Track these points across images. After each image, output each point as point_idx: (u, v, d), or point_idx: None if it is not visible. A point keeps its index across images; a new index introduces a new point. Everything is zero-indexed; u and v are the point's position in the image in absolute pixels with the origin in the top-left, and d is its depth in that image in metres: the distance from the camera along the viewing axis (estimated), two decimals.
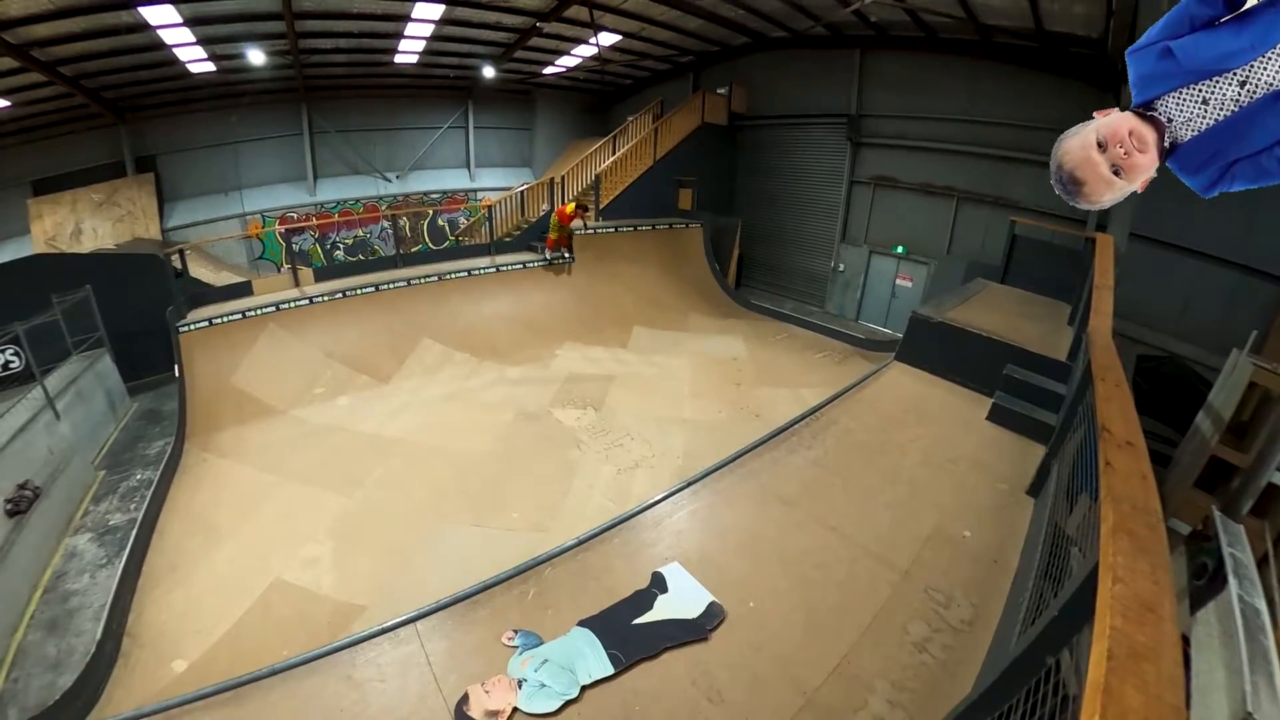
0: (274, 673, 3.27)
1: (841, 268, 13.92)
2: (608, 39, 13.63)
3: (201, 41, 11.74)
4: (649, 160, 13.68)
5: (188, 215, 16.18)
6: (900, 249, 12.72)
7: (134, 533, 6.66)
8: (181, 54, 12.24)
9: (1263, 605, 3.12)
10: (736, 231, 14.28)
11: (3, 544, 6.34)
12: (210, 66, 13.16)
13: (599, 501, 6.41)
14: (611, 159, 13.49)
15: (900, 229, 12.72)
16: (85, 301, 10.00)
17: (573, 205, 11.14)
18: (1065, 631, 1.94)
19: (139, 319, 10.33)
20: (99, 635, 5.42)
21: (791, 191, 14.66)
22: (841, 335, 10.80)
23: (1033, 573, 3.07)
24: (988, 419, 5.08)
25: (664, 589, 3.43)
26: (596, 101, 19.53)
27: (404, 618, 3.44)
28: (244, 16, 11.32)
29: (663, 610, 3.29)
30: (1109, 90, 9.20)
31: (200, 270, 12.88)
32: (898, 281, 12.96)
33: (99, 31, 10.86)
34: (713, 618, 3.23)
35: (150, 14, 10.38)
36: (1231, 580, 3.25)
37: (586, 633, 3.19)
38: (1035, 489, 4.06)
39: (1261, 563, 3.72)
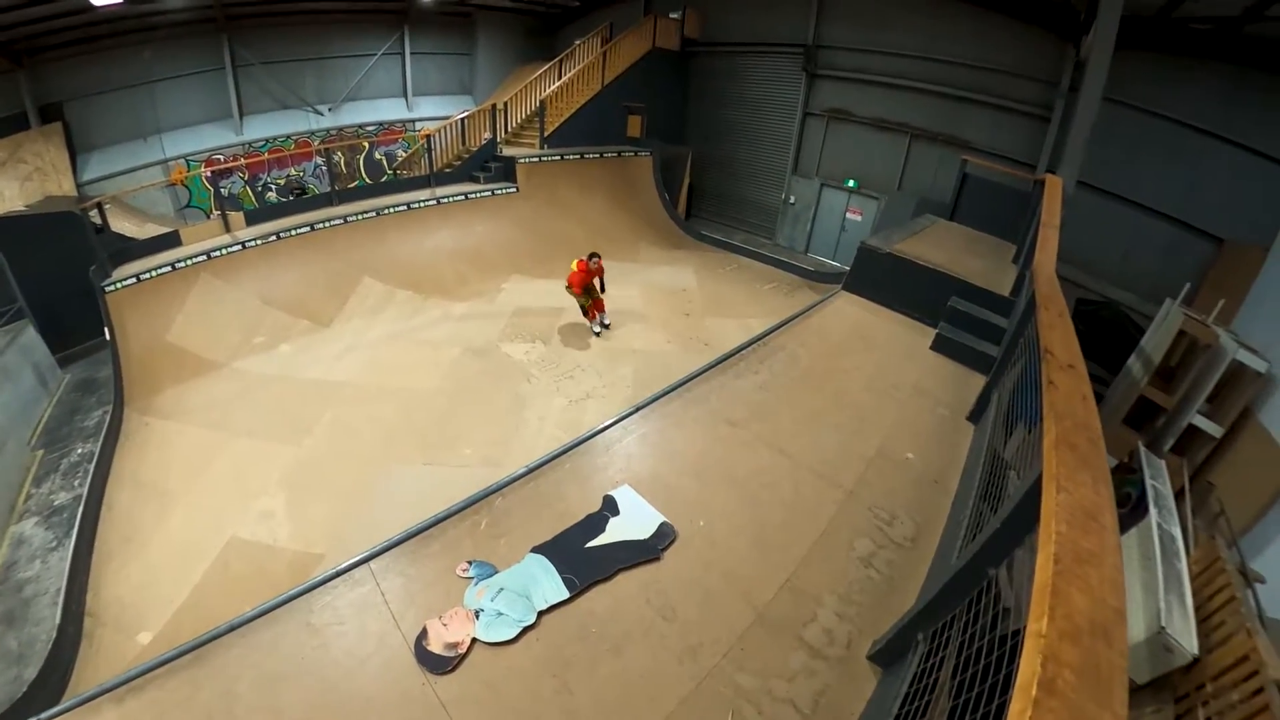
0: (233, 628, 3.26)
1: (792, 200, 13.87)
2: None
3: None
4: (597, 85, 13.10)
5: (104, 166, 14.81)
6: (851, 183, 12.73)
7: (81, 510, 6.42)
8: None
9: (1178, 533, 3.40)
10: (687, 161, 14.00)
11: None
12: None
13: (551, 433, 6.43)
14: (557, 84, 12.86)
15: (852, 163, 12.70)
16: None
17: (580, 262, 8.04)
18: (1006, 543, 2.03)
19: (61, 283, 9.58)
20: (58, 620, 5.33)
21: (744, 121, 14.38)
22: (791, 267, 10.87)
23: (972, 493, 3.23)
24: (931, 348, 5.25)
25: (615, 511, 3.47)
26: (542, 25, 18.50)
27: (357, 558, 3.42)
28: None
29: (615, 533, 3.33)
30: (1069, 39, 9.21)
31: (123, 224, 11.97)
32: (848, 215, 13.03)
33: None
34: (664, 538, 3.29)
35: None
36: (1153, 509, 3.51)
37: (540, 559, 3.21)
38: (975, 416, 4.24)
39: (1179, 495, 4.03)
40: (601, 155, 12.53)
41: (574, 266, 7.98)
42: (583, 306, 8.22)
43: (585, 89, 13.03)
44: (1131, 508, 3.82)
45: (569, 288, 7.99)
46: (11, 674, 5.17)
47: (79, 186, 14.42)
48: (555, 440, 6.17)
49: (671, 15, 14.28)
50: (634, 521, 3.39)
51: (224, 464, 6.89)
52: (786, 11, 12.83)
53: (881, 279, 6.08)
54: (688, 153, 14.07)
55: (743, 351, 5.06)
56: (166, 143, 15.43)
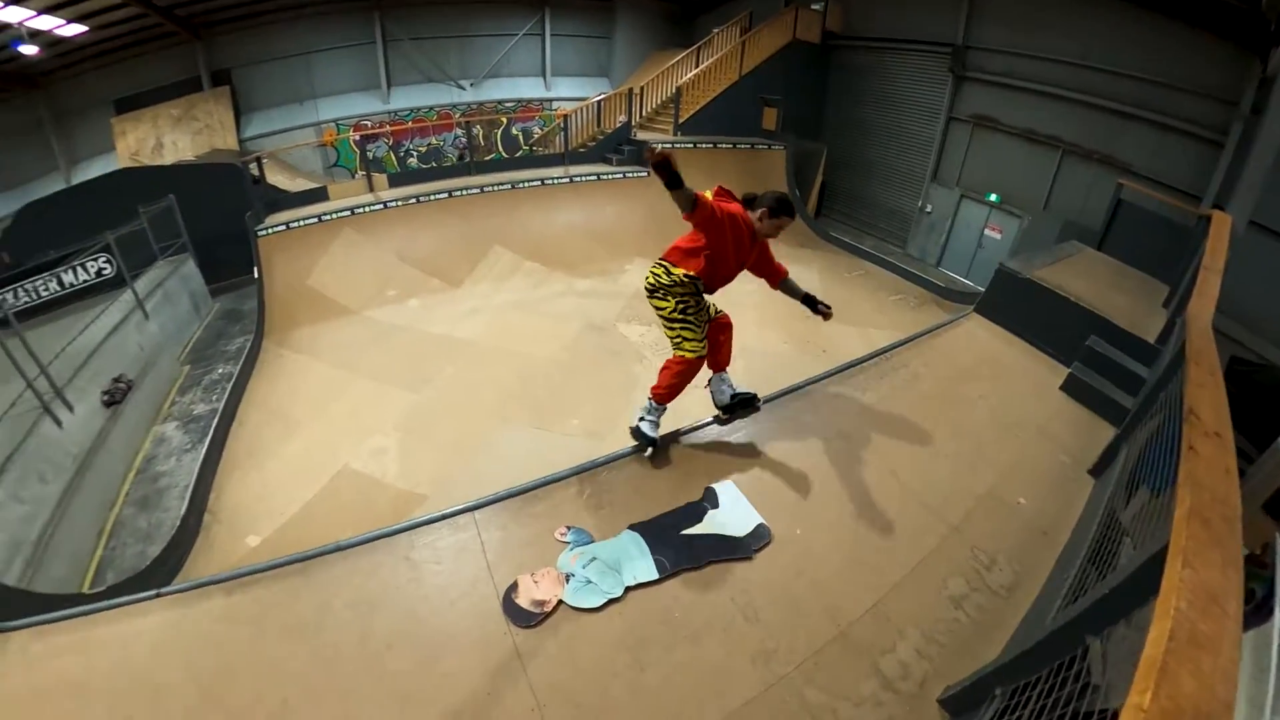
0: (339, 549, 3.50)
1: (929, 209, 13.16)
2: None
3: None
4: (734, 75, 13.02)
5: (263, 125, 16.68)
6: (994, 197, 11.94)
7: (215, 421, 7.28)
8: None
9: None
10: (821, 158, 13.61)
11: (101, 431, 7.02)
12: None
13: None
14: (694, 71, 12.89)
15: (996, 176, 11.89)
16: (169, 210, 10.66)
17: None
18: (1111, 613, 1.91)
19: (220, 225, 10.84)
20: (183, 511, 6.01)
21: (884, 122, 13.75)
22: (920, 280, 10.36)
23: (1081, 553, 3.02)
24: (1061, 388, 4.90)
25: (715, 504, 3.47)
26: (680, 11, 18.53)
27: (463, 506, 3.60)
28: None
29: (711, 525, 3.34)
30: (1255, 52, 7.99)
31: (276, 177, 13.23)
32: (986, 231, 12.22)
33: None
34: (759, 538, 3.27)
35: None
36: (1278, 614, 3.14)
37: (636, 536, 3.28)
38: (1098, 470, 3.95)
39: None
40: (735, 146, 12.41)
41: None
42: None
43: (722, 78, 12.97)
44: (1254, 607, 3.45)
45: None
46: (138, 549, 5.96)
47: (241, 142, 16.36)
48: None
49: (813, 7, 13.91)
50: (732, 517, 3.39)
51: (346, 400, 7.49)
52: (936, 7, 12.09)
53: (1017, 306, 5.69)
54: (822, 150, 13.69)
55: (864, 363, 4.93)
56: (320, 107, 17.09)
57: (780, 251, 10.57)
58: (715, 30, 14.54)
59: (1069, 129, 10.59)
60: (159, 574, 5.31)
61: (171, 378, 8.90)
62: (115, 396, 7.47)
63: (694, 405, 6.55)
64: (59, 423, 6.55)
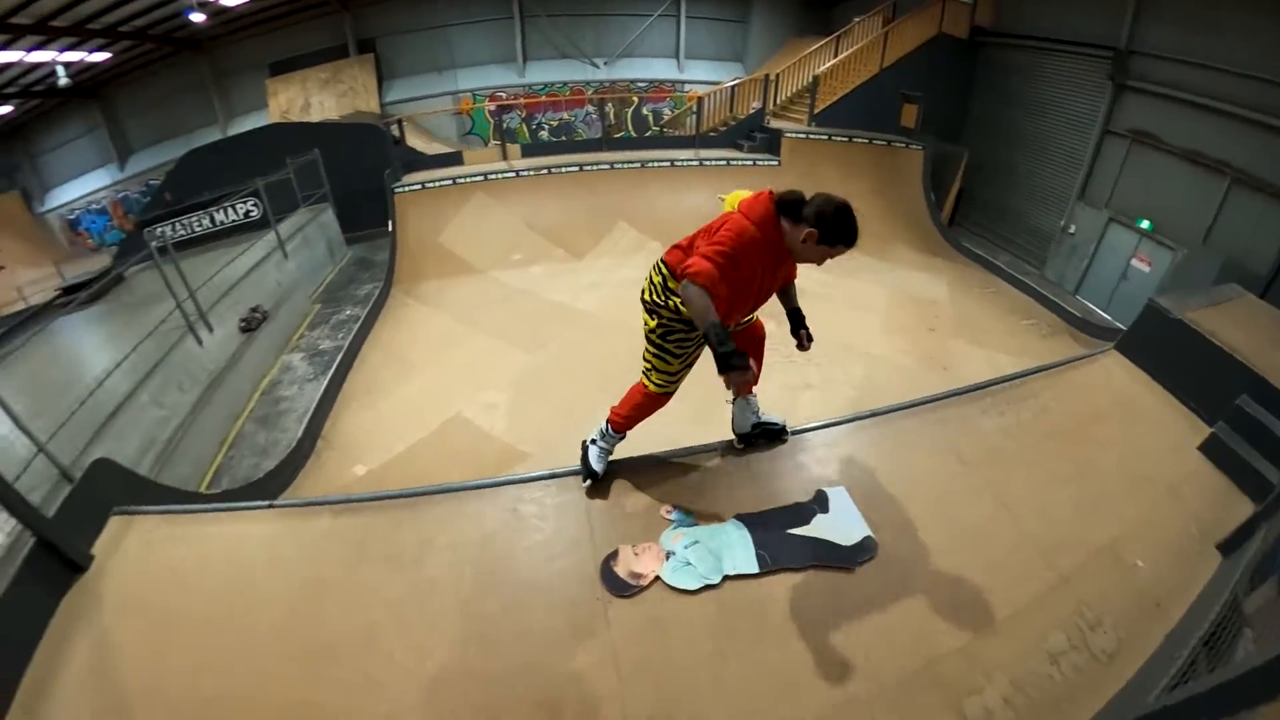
0: (447, 490, 3.74)
1: (1072, 230, 11.98)
2: None
3: None
4: (874, 68, 12.58)
5: (403, 92, 18.00)
6: (1146, 224, 10.72)
7: (340, 357, 7.94)
8: None
9: None
10: (961, 162, 12.83)
11: (235, 353, 7.85)
12: None
13: (761, 410, 6.48)
14: (833, 61, 12.55)
15: (1151, 200, 10.65)
16: (314, 163, 11.71)
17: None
18: (1219, 709, 1.83)
19: (359, 180, 11.84)
20: (300, 434, 6.61)
21: (1031, 129, 12.66)
22: (1055, 306, 9.56)
23: (1195, 635, 2.84)
24: (1200, 448, 4.50)
25: (825, 509, 3.44)
26: None
27: (573, 469, 3.75)
28: None
29: (818, 529, 3.32)
30: None
31: (414, 140, 14.17)
32: (1133, 261, 11.00)
33: None
34: (865, 551, 3.22)
35: None
36: None
37: (741, 527, 3.31)
38: (1228, 548, 3.61)
39: None
40: (870, 141, 11.98)
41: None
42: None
43: (861, 70, 12.57)
44: None
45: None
46: (253, 461, 6.62)
47: (382, 106, 17.74)
48: None
49: None
50: (840, 525, 3.36)
51: (464, 353, 7.93)
52: (1098, 4, 10.79)
53: (1163, 349, 5.20)
54: (963, 154, 12.91)
55: (991, 387, 4.72)
56: (458, 77, 18.12)
57: (909, 257, 9.81)
58: (856, 19, 13.99)
59: (1242, 154, 9.23)
60: (270, 487, 5.85)
61: (303, 313, 9.84)
62: (251, 324, 8.34)
63: (799, 406, 6.56)
64: (200, 341, 7.45)
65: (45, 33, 14.04)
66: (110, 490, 4.04)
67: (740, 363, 2.50)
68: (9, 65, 15.11)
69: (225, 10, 15.45)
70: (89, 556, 3.56)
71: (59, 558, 3.41)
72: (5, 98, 17.19)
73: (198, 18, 14.92)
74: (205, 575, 3.54)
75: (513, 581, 3.27)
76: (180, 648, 3.15)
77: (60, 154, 20.47)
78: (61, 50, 15.27)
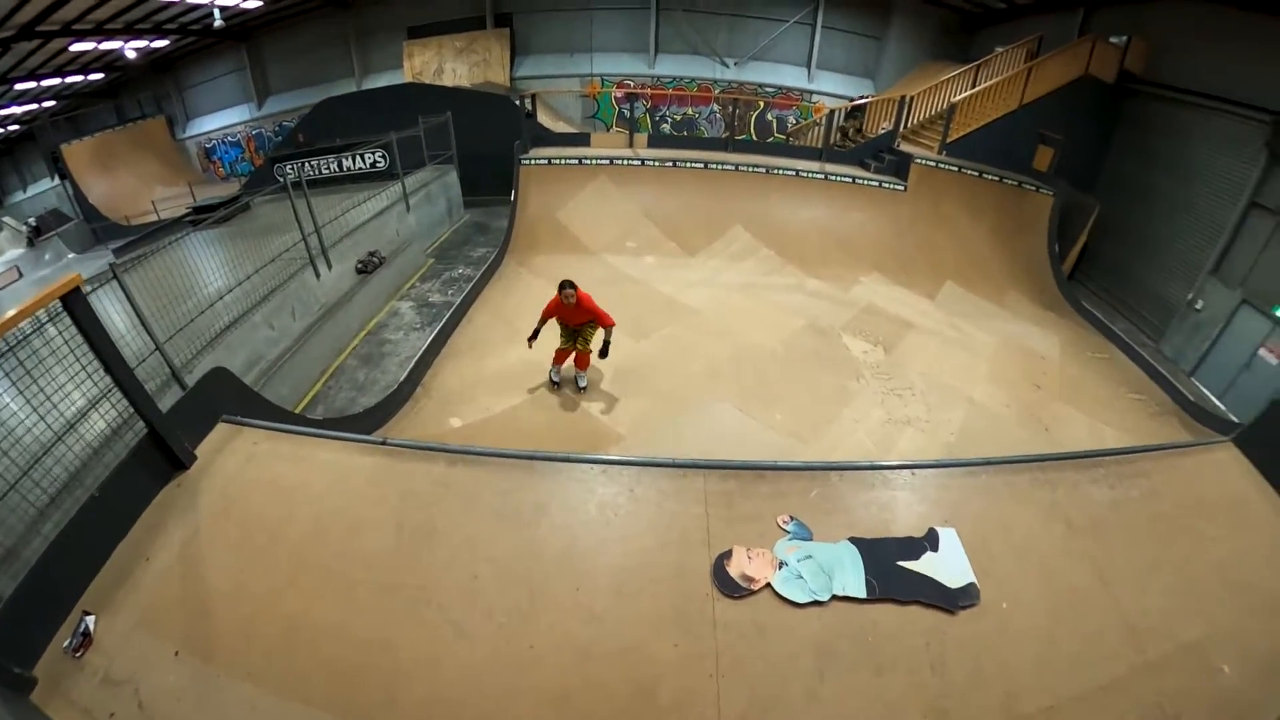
0: (569, 459, 3.84)
1: (1199, 305, 10.90)
2: None
3: None
4: (1013, 103, 11.91)
5: (534, 69, 18.58)
6: None
7: (450, 313, 8.21)
8: None
9: None
10: (1091, 216, 11.85)
11: (349, 291, 8.31)
12: None
13: (861, 440, 6.41)
14: (971, 90, 12.01)
15: None
16: (445, 125, 12.22)
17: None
18: None
19: (486, 147, 12.24)
20: (402, 378, 6.86)
21: (1170, 190, 11.56)
22: (1168, 385, 8.84)
23: None
24: None
25: (935, 548, 3.49)
26: (961, 21, 17.27)
27: (694, 461, 3.86)
28: None
29: (927, 566, 3.38)
30: None
31: (541, 117, 14.45)
32: (1261, 351, 9.81)
33: None
34: (968, 597, 3.26)
35: None
36: None
37: (854, 550, 3.39)
38: None
39: None
40: (1001, 179, 11.38)
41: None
42: (566, 346, 6.70)
43: (999, 103, 11.97)
44: None
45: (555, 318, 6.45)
46: (350, 395, 6.93)
47: (511, 80, 18.36)
48: (862, 448, 6.22)
49: (1112, 40, 12.02)
50: (947, 566, 3.41)
51: None
52: (1263, 62, 9.65)
53: None
54: (1094, 206, 11.94)
55: (1103, 458, 4.61)
56: (587, 61, 18.52)
57: (1022, 307, 9.80)
58: (998, 49, 13.32)
59: None
60: (365, 423, 6.04)
61: (417, 265, 10.34)
62: (367, 267, 8.82)
63: (899, 441, 6.52)
64: (318, 275, 7.92)
65: None
66: (222, 398, 4.29)
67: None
68: (171, 3, 16.35)
69: None
70: (192, 456, 3.81)
71: (165, 451, 3.65)
72: (165, 33, 18.65)
73: None
74: (306, 497, 3.68)
75: (624, 563, 3.35)
76: (269, 561, 3.32)
77: (205, 89, 22.45)
78: None
